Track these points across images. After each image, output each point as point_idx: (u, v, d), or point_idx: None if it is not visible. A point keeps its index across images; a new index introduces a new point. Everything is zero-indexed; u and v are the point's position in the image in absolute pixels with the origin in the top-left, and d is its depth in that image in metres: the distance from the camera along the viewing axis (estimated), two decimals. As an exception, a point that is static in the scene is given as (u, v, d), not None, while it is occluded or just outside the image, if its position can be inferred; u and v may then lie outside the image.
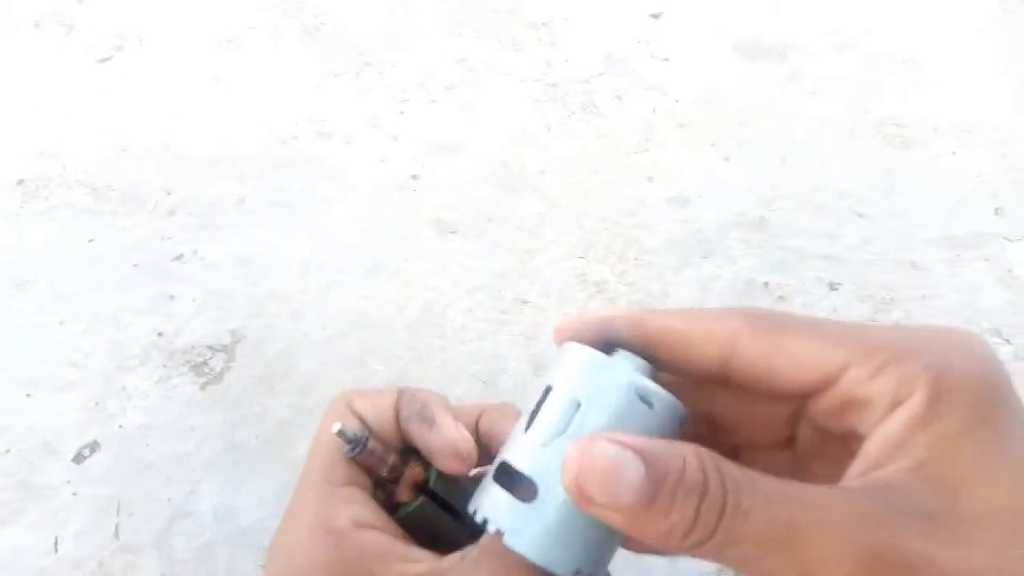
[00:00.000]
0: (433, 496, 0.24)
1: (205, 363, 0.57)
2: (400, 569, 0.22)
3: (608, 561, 0.21)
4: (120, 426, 0.54)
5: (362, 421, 0.25)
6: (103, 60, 0.82)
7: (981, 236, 0.69)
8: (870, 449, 0.18)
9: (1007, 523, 0.16)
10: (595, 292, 0.64)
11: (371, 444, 0.24)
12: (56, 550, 0.48)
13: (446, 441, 0.23)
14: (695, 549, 0.17)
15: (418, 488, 0.24)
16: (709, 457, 0.17)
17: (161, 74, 0.80)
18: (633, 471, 0.17)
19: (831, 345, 0.18)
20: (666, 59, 0.85)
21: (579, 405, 0.20)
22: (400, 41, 0.86)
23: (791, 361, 0.19)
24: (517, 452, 0.21)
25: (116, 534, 0.49)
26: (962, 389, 0.17)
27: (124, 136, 0.74)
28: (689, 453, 0.17)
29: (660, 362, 0.21)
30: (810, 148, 0.77)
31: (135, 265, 0.63)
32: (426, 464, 0.24)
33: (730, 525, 0.16)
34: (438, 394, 0.25)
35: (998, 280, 0.66)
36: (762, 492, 0.17)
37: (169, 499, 0.50)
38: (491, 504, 0.20)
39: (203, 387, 0.56)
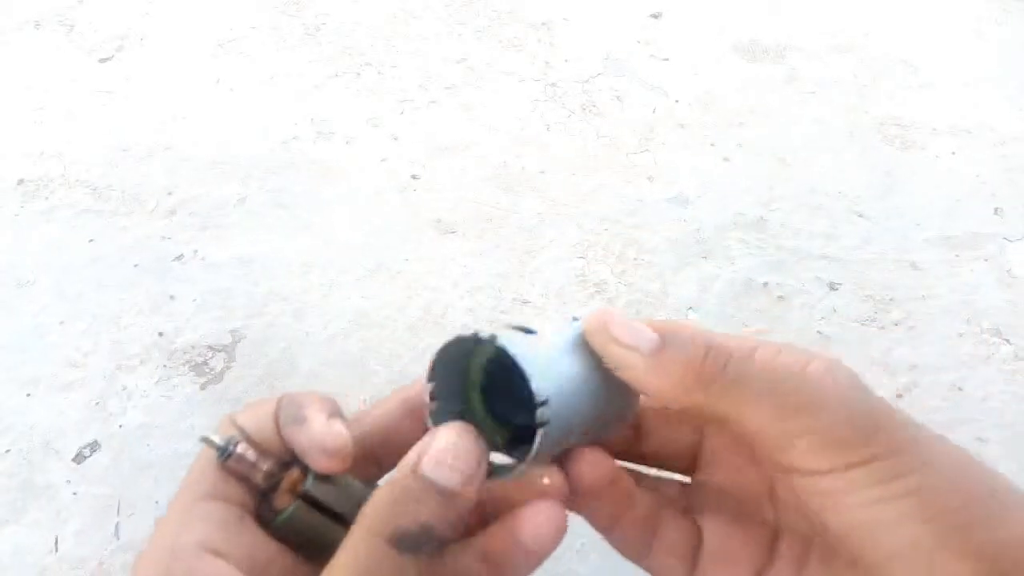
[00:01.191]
0: (311, 500, 0.22)
1: (205, 363, 0.57)
2: None
3: (576, 428, 0.22)
4: (120, 426, 0.54)
5: (242, 432, 0.23)
6: (104, 60, 0.82)
7: (980, 236, 0.69)
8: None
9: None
10: (595, 292, 0.64)
11: (240, 449, 0.22)
12: (57, 549, 0.48)
13: (313, 438, 0.22)
14: (707, 388, 0.19)
15: (296, 493, 0.22)
16: None
17: (162, 74, 0.81)
18: (649, 332, 0.20)
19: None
20: (666, 59, 0.85)
21: (575, 318, 0.23)
22: (400, 42, 0.86)
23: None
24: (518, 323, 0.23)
25: (116, 533, 0.49)
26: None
27: (125, 136, 0.74)
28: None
29: None
30: (809, 149, 0.77)
31: (136, 265, 0.63)
32: (306, 468, 0.22)
33: (739, 365, 0.19)
34: (324, 396, 0.24)
35: (997, 280, 0.66)
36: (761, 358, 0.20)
37: (169, 499, 0.50)
38: (488, 331, 0.22)
39: (203, 387, 0.56)
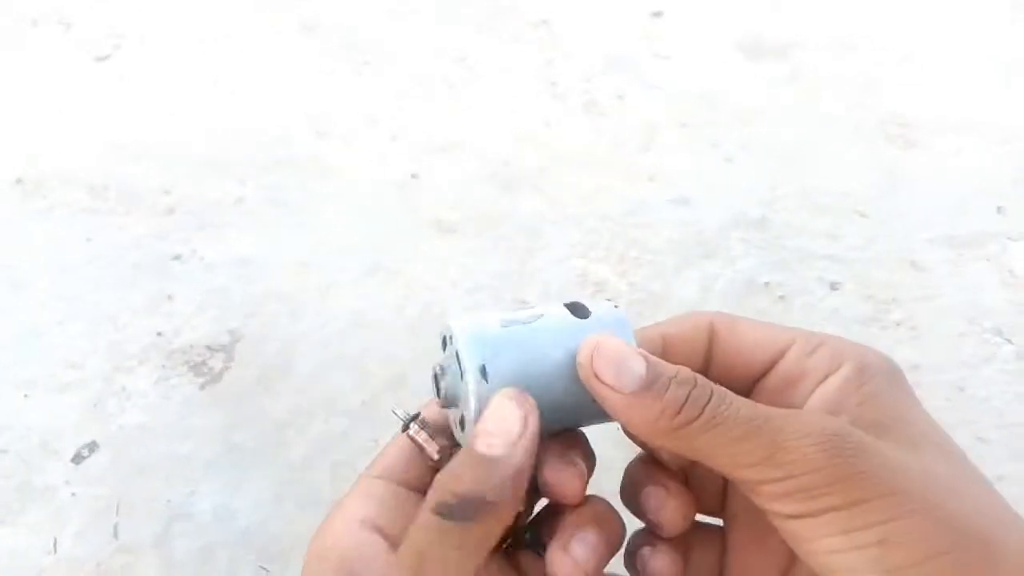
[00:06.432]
0: None
1: (204, 363, 0.57)
2: None
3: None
4: (119, 426, 0.54)
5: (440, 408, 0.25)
6: (101, 58, 0.81)
7: (983, 236, 0.69)
8: (812, 406, 0.23)
9: (931, 449, 0.21)
10: (595, 292, 0.63)
11: (415, 426, 0.24)
12: (55, 551, 0.48)
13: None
14: (680, 431, 0.20)
15: None
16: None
17: (159, 72, 0.80)
18: (637, 363, 0.20)
19: (779, 331, 0.25)
20: (667, 57, 0.85)
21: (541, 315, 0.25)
22: (399, 38, 0.85)
23: (751, 340, 0.25)
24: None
25: (115, 535, 0.49)
26: (878, 367, 0.24)
27: (122, 135, 0.74)
28: (683, 366, 0.21)
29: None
30: (812, 147, 0.76)
31: (133, 264, 0.63)
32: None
33: (716, 409, 0.20)
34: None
35: (1000, 280, 0.65)
36: (744, 398, 0.21)
37: (168, 500, 0.50)
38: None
39: (202, 387, 0.56)
